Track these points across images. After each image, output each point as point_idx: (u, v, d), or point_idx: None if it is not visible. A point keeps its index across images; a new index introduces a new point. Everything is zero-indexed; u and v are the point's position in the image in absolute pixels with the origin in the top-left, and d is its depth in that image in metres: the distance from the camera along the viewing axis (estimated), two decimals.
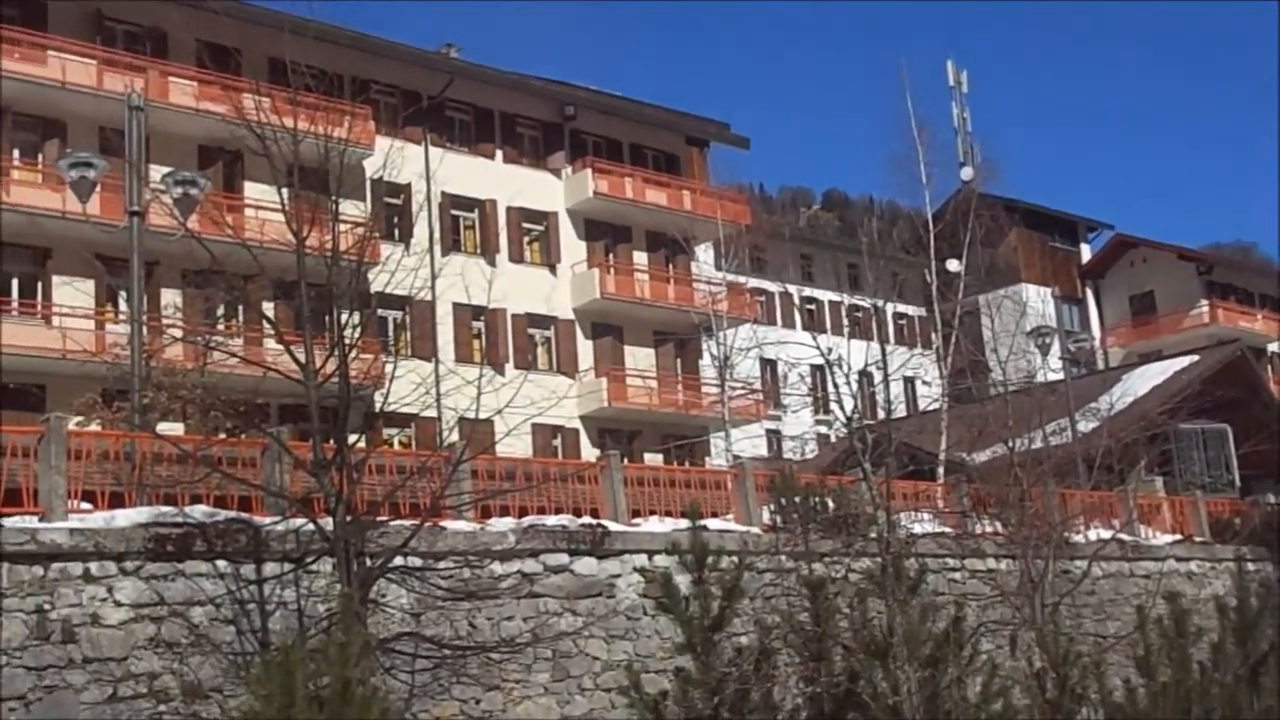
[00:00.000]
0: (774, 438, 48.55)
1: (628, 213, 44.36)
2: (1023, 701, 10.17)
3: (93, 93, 32.91)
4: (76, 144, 31.41)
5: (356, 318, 14.74)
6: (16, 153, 33.52)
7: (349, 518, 13.53)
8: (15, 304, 32.61)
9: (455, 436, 21.06)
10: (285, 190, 14.93)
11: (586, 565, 17.55)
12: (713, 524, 18.58)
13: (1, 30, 32.65)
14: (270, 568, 14.48)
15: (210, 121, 31.71)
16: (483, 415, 15.13)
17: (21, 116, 33.25)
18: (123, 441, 15.94)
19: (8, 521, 13.44)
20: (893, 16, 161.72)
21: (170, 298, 32.53)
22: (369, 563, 13.77)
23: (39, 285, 33.03)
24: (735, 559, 11.43)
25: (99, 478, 15.17)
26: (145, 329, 20.93)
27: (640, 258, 45.27)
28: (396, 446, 26.01)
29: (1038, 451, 20.88)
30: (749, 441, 41.93)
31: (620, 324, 43.49)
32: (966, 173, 39.64)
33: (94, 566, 13.67)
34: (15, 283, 32.85)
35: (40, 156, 33.54)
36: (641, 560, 17.96)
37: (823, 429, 48.78)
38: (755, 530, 19.59)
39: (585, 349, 42.72)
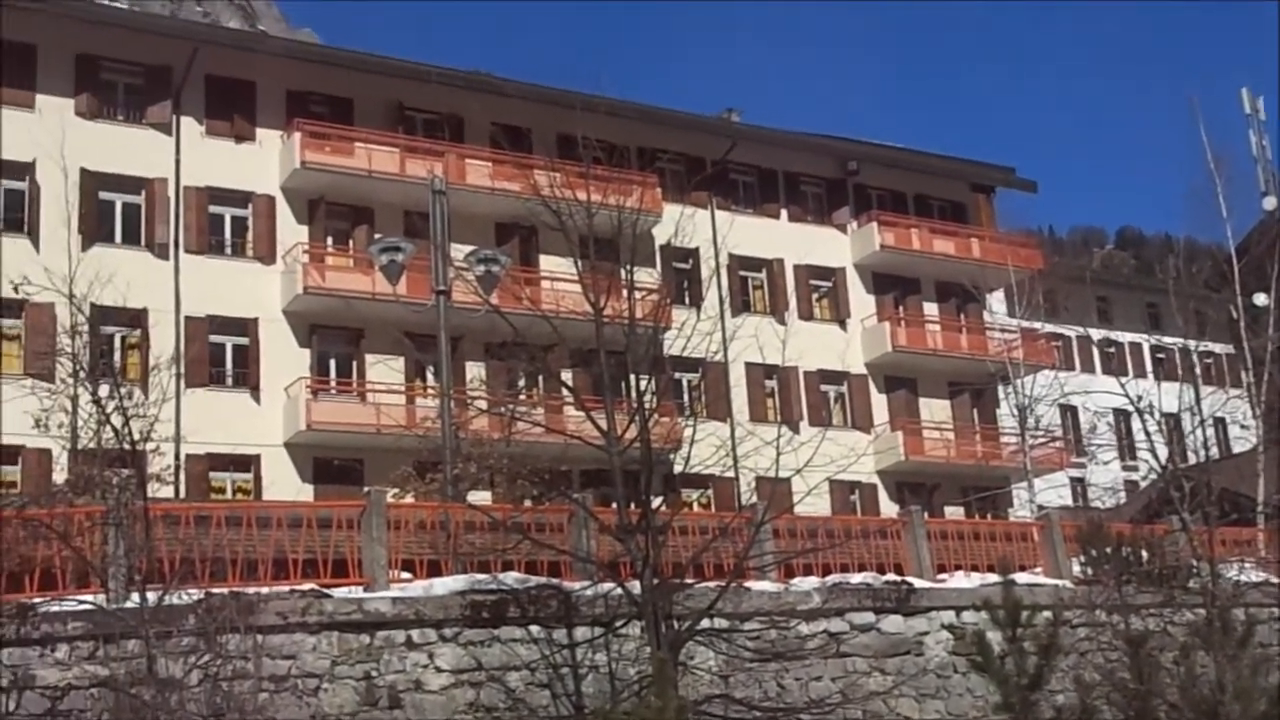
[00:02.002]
0: (1079, 486, 46.85)
1: (915, 264, 43.85)
2: None
3: (397, 179, 34.66)
4: (383, 228, 33.12)
5: (654, 383, 14.98)
6: (330, 240, 35.59)
7: (656, 581, 13.68)
8: (333, 383, 34.46)
9: (753, 496, 21.13)
10: (580, 261, 15.34)
11: (893, 623, 17.25)
12: (1021, 578, 18.00)
13: (313, 126, 34.86)
14: (581, 632, 14.74)
15: (506, 199, 33.03)
16: (782, 474, 15.11)
17: (333, 205, 35.30)
18: (437, 512, 16.59)
19: (336, 592, 14.14)
20: (1180, 48, 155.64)
21: (475, 371, 33.75)
22: (677, 625, 13.87)
23: (353, 364, 34.84)
24: (1049, 614, 11.06)
25: (417, 547, 15.81)
26: (453, 402, 21.77)
27: (931, 308, 44.61)
28: (696, 508, 26.27)
29: None
30: (1053, 491, 40.56)
31: (914, 376, 42.90)
32: (1269, 202, 37.55)
33: (415, 634, 14.20)
34: (333, 363, 34.74)
35: (351, 242, 35.47)
36: (949, 617, 17.55)
37: (1130, 475, 46.82)
38: (1067, 583, 18.90)
39: (879, 403, 42.27)
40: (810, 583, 17.07)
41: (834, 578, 17.35)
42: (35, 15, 33.88)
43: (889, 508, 38.75)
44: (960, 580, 18.26)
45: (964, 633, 16.43)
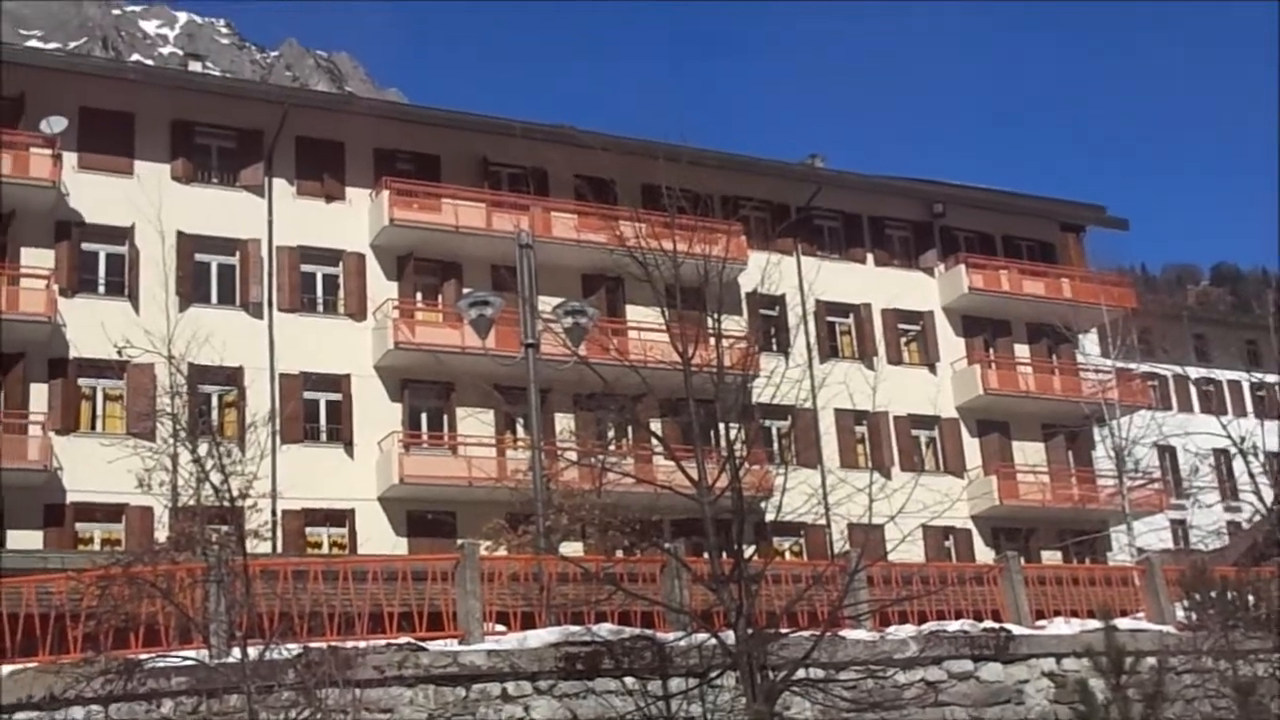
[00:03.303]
0: (1180, 529, 45.97)
1: (1005, 305, 43.44)
2: None
3: (484, 234, 35.01)
4: (471, 283, 33.48)
5: (744, 431, 14.96)
6: (419, 295, 36.03)
7: (750, 631, 13.62)
8: (425, 437, 34.77)
9: (846, 544, 21.02)
10: (667, 311, 15.40)
11: (992, 671, 17.00)
12: (1123, 623, 17.67)
13: (401, 184, 35.41)
14: (676, 683, 14.70)
15: (591, 251, 33.25)
16: (875, 521, 15.00)
17: (422, 261, 35.75)
18: (530, 564, 16.66)
19: (432, 645, 14.24)
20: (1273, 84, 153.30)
21: (564, 422, 33.88)
22: (772, 675, 13.78)
23: (444, 418, 35.13)
24: (1153, 661, 10.85)
25: (510, 599, 15.90)
26: (544, 454, 21.87)
27: (1022, 350, 44.12)
28: (788, 556, 26.18)
29: None
30: (1153, 534, 39.89)
31: (1006, 419, 42.38)
32: None
33: (511, 686, 14.26)
34: (424, 416, 35.07)
35: (440, 297, 35.87)
36: (1049, 664, 17.27)
37: (1234, 517, 45.84)
38: (1170, 629, 18.53)
39: (971, 447, 41.81)
40: (906, 631, 16.90)
41: (930, 625, 17.16)
42: (132, 85, 34.89)
43: (984, 553, 38.23)
44: (1060, 627, 17.98)
45: (1065, 681, 16.17)
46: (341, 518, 32.99)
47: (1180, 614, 19.10)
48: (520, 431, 34.56)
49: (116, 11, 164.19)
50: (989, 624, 17.56)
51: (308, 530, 32.45)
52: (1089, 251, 47.69)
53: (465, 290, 30.98)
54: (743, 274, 32.02)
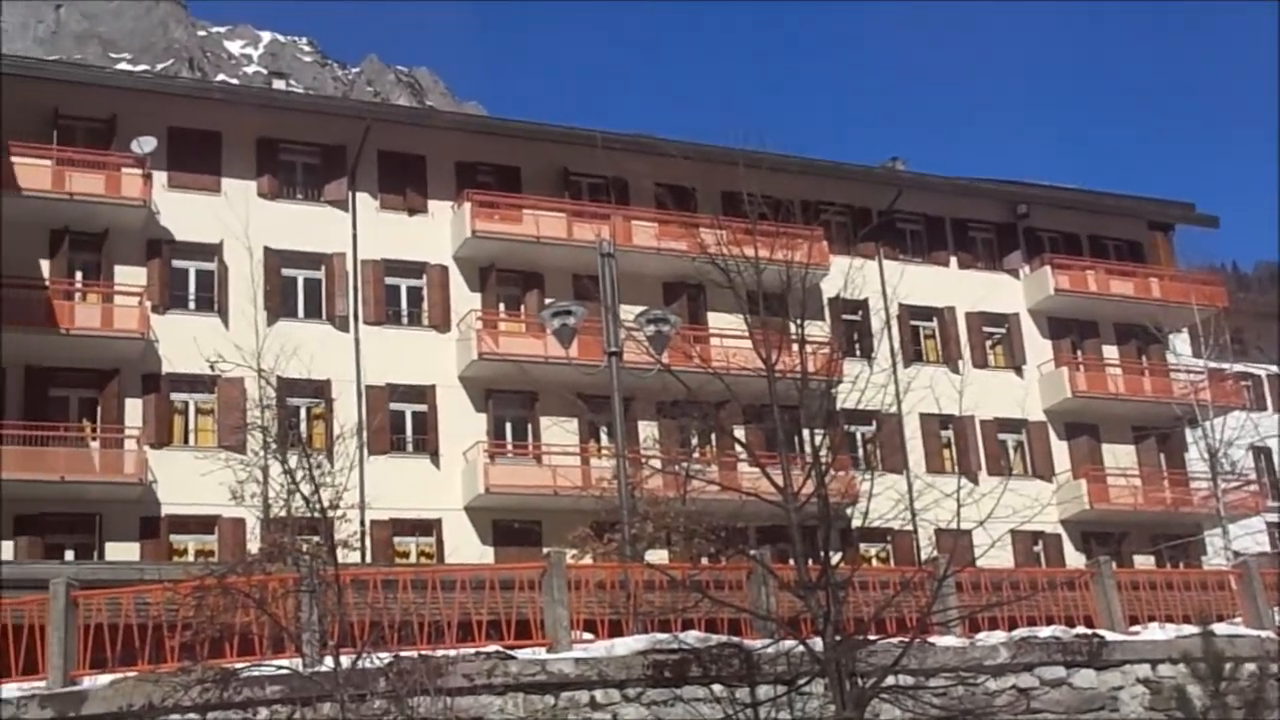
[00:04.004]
0: (1277, 531, 45.05)
1: (1092, 306, 42.87)
2: None
3: (565, 244, 35.23)
4: (553, 292, 33.71)
5: (829, 437, 14.89)
6: (502, 306, 36.28)
7: (838, 638, 13.54)
8: (510, 446, 34.99)
9: (933, 549, 20.82)
10: (750, 318, 15.37)
11: (1085, 678, 16.75)
12: (1220, 629, 17.36)
13: (482, 195, 35.68)
14: (764, 690, 14.64)
15: (673, 259, 33.33)
16: (963, 526, 14.86)
17: (504, 272, 36.01)
18: (617, 571, 16.69)
19: (520, 653, 14.32)
20: None
21: (648, 430, 33.97)
22: (861, 682, 13.69)
23: (528, 427, 35.34)
24: (1253, 667, 10.66)
25: (597, 607, 15.92)
26: (628, 462, 21.92)
27: (1110, 352, 43.52)
28: (875, 563, 26.01)
29: None
30: (1249, 537, 39.07)
31: (1095, 422, 41.81)
32: None
33: (599, 694, 14.29)
34: (509, 426, 35.30)
35: (522, 307, 36.10)
36: (1144, 670, 16.96)
37: None
38: (1270, 634, 18.13)
39: (1060, 450, 41.30)
40: (997, 637, 16.70)
41: (1021, 631, 16.94)
42: (219, 104, 35.53)
43: (1074, 558, 37.78)
44: (1154, 632, 17.66)
45: (1161, 687, 15.91)
46: (429, 527, 33.30)
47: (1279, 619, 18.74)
48: (604, 439, 34.66)
49: (202, 33, 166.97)
50: (1082, 630, 17.30)
51: (396, 540, 32.80)
52: (1178, 250, 46.98)
53: (547, 300, 31.22)
54: (825, 279, 31.88)
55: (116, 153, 32.80)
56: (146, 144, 32.64)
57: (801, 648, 13.91)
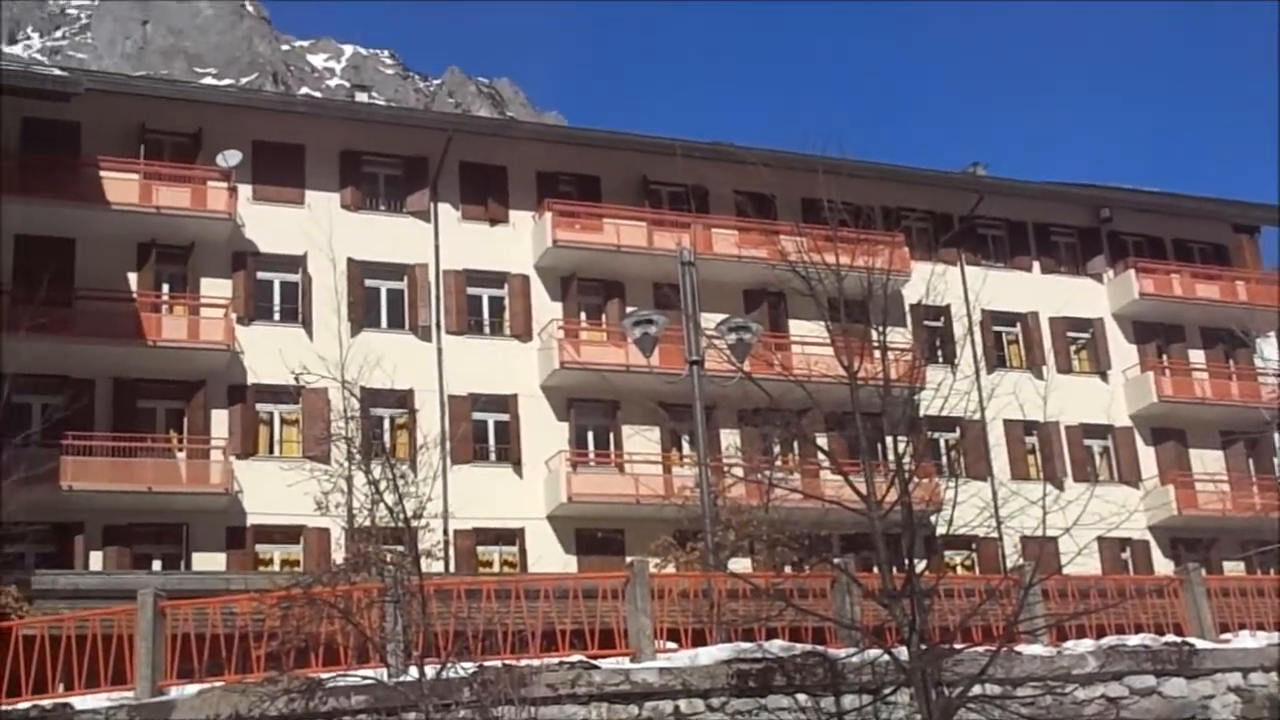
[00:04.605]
0: None
1: (1178, 310, 42.22)
2: None
3: (645, 252, 35.30)
4: (634, 301, 33.76)
5: (912, 444, 14.79)
6: (583, 315, 36.42)
7: (923, 646, 13.45)
8: (592, 455, 35.08)
9: (1019, 557, 20.62)
10: (831, 325, 15.31)
11: (1175, 686, 16.47)
12: None
13: (563, 205, 35.90)
14: (849, 700, 14.55)
15: (753, 266, 33.21)
16: (1049, 533, 14.69)
17: (585, 281, 36.15)
18: (700, 580, 16.68)
19: (604, 663, 14.33)
20: None
21: (730, 438, 33.88)
22: (947, 692, 13.59)
23: (610, 436, 35.40)
24: None
25: (680, 616, 15.90)
26: (711, 471, 21.89)
27: (1196, 356, 42.84)
28: (960, 570, 25.77)
29: None
30: None
31: (1182, 427, 41.17)
32: None
33: (683, 704, 14.24)
34: (590, 435, 35.40)
35: (603, 316, 36.22)
36: (1236, 679, 16.65)
37: None
38: None
39: (1146, 456, 40.71)
40: (1085, 645, 16.48)
41: (1110, 640, 16.71)
42: (302, 117, 35.99)
43: (1163, 565, 37.20)
44: (1246, 640, 17.34)
45: (1254, 696, 15.63)
46: (512, 537, 33.48)
47: None
48: (686, 448, 34.66)
49: (285, 47, 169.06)
50: (1171, 638, 17.04)
51: (479, 549, 33.00)
52: (1264, 252, 46.25)
53: (628, 309, 31.24)
54: (906, 285, 31.70)
55: (202, 166, 33.34)
56: (231, 157, 33.15)
57: (886, 657, 13.82)
